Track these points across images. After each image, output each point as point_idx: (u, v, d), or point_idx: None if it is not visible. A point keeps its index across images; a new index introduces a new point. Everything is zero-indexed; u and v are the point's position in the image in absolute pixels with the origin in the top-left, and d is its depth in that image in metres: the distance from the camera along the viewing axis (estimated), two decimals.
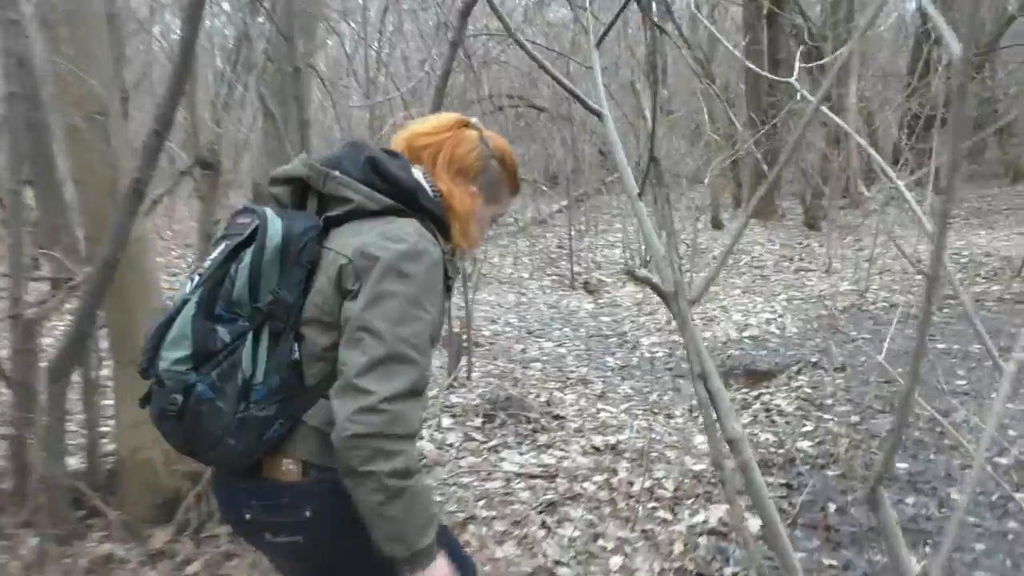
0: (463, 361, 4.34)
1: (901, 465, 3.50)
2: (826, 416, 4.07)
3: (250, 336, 1.28)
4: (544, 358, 5.28)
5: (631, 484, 3.23)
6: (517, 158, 1.56)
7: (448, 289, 1.40)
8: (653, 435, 3.79)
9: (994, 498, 3.17)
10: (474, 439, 3.45)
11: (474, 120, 1.53)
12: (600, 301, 6.88)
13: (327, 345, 1.30)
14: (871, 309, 6.21)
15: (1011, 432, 3.76)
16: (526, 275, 7.97)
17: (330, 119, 7.44)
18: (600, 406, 4.18)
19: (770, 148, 9.32)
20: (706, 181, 6.81)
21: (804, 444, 3.73)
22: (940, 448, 3.63)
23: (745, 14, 9.82)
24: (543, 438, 3.53)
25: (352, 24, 7.36)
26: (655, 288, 1.36)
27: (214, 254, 1.33)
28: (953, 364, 4.81)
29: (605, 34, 1.56)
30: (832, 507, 3.17)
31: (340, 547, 1.36)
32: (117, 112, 2.28)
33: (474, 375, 4.44)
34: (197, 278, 1.32)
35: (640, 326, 5.99)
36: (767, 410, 4.14)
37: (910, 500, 3.19)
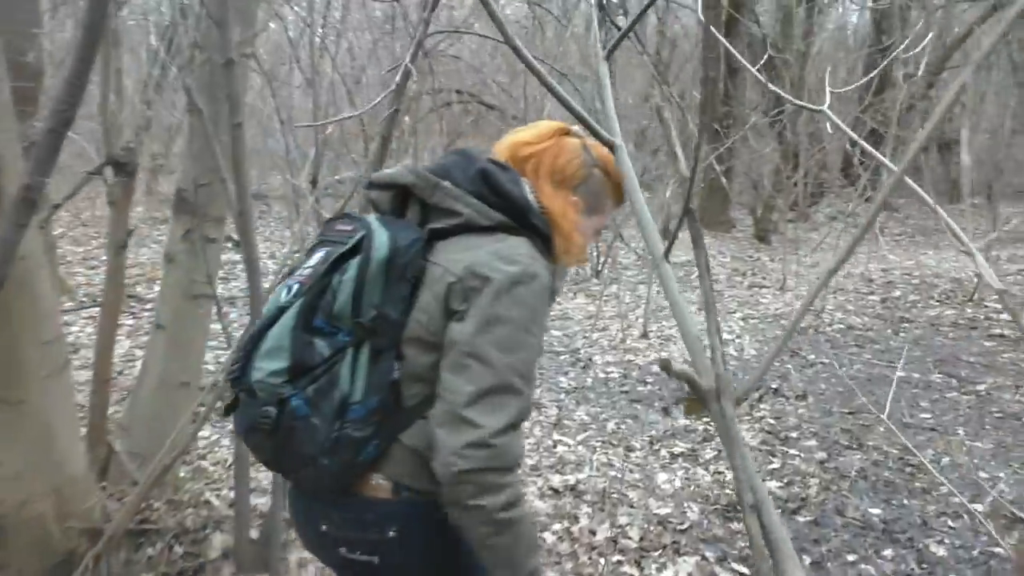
0: None
1: (874, 511, 3.30)
2: (792, 451, 3.86)
3: (350, 352, 1.23)
4: None
5: (593, 533, 2.95)
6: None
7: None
8: (614, 472, 3.51)
9: (975, 552, 2.99)
10: None
11: (575, 128, 1.46)
12: (550, 313, 6.59)
13: (428, 364, 1.25)
14: (827, 331, 6.07)
15: (982, 473, 3.61)
16: None
17: (270, 108, 6.97)
18: (556, 437, 3.88)
19: (724, 159, 9.21)
20: (667, 193, 6.55)
21: (772, 484, 3.50)
22: (912, 491, 3.45)
23: (704, 17, 9.66)
24: None
25: (296, 8, 6.91)
26: (694, 387, 1.05)
27: (312, 261, 1.28)
28: (916, 395, 4.67)
29: (618, 43, 1.24)
30: (807, 559, 2.94)
31: (415, 573, 1.33)
32: (4, 102, 1.87)
33: None
34: (296, 286, 1.27)
35: (593, 343, 5.72)
36: None
37: (887, 553, 2.98)
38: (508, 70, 8.58)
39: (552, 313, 6.59)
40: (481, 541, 1.21)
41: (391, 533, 1.28)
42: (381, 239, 1.25)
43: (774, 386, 4.78)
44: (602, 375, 5.05)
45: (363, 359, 1.24)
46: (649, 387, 4.80)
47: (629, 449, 3.84)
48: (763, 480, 3.53)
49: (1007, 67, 11.13)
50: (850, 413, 4.35)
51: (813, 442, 3.97)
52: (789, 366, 5.16)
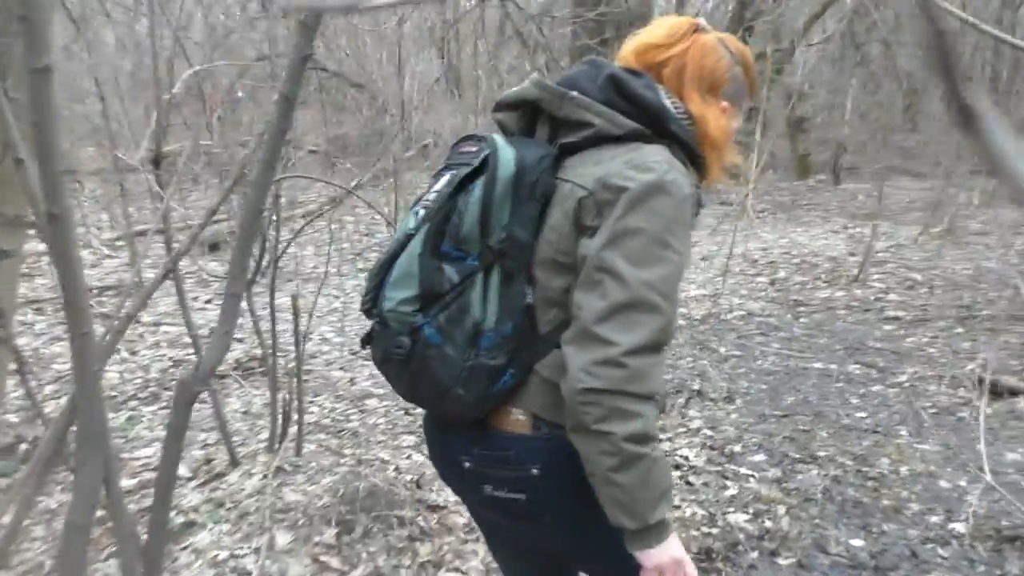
0: (292, 425, 3.13)
1: (855, 543, 2.87)
2: (743, 471, 3.38)
3: (480, 277, 1.18)
4: (380, 391, 4.18)
5: None
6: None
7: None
8: None
9: None
10: (330, 568, 2.31)
11: (701, 19, 1.33)
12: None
13: (563, 288, 1.20)
14: (729, 319, 5.73)
15: (943, 483, 3.29)
16: (333, 270, 6.72)
17: (81, 65, 5.69)
18: None
19: None
20: None
21: (739, 518, 2.99)
22: (885, 513, 3.06)
23: None
24: (425, 549, 2.47)
25: None
26: None
27: (438, 185, 1.24)
28: (842, 390, 4.36)
29: None
30: None
31: (567, 512, 1.25)
32: None
33: (306, 446, 3.24)
34: (422, 211, 1.22)
35: None
36: (677, 466, 3.36)
37: None
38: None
39: None
40: (604, 475, 1.12)
41: (534, 470, 1.22)
42: (507, 156, 1.19)
43: (696, 387, 4.32)
44: None
45: (494, 284, 1.19)
46: None
47: None
48: (726, 513, 3.04)
49: (849, 45, 11.41)
50: (784, 416, 3.96)
51: (761, 456, 3.51)
52: (705, 362, 4.73)
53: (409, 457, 3.26)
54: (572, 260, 1.18)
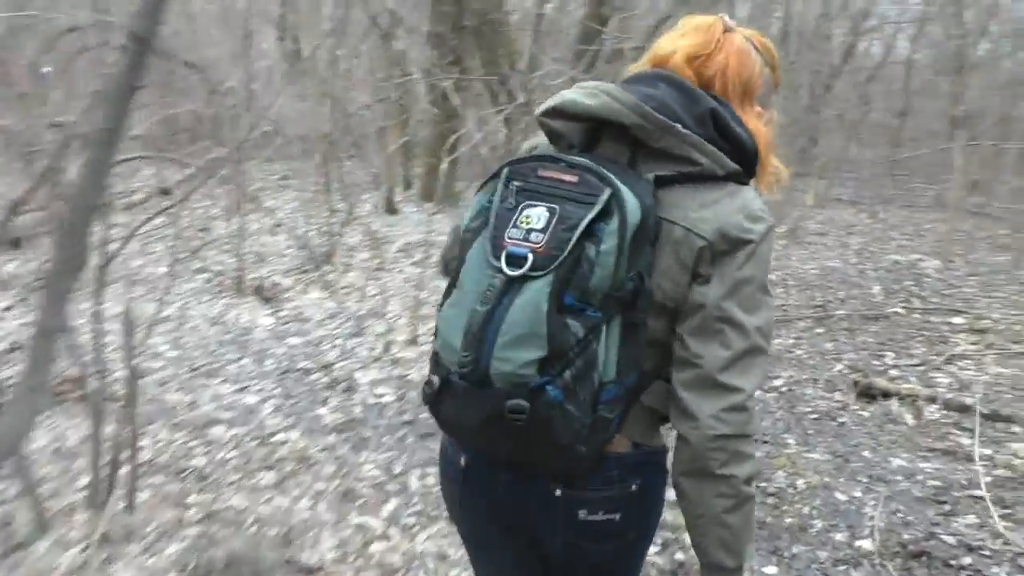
0: (121, 467, 2.53)
1: (769, 570, 2.70)
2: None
3: (604, 328, 1.12)
4: (227, 416, 3.61)
5: None
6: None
7: None
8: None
9: None
10: None
11: (726, 17, 1.30)
12: (281, 313, 5.23)
13: (665, 328, 1.19)
14: None
15: (839, 495, 3.19)
16: (165, 270, 5.93)
17: None
18: (359, 520, 2.73)
19: (449, 125, 8.39)
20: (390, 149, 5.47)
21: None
22: (791, 532, 2.91)
23: None
24: None
25: None
26: None
27: (535, 221, 1.11)
28: None
29: None
30: None
31: (645, 530, 1.31)
32: None
33: (140, 494, 2.64)
34: (529, 255, 1.09)
35: (347, 352, 4.55)
36: None
37: None
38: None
39: (282, 312, 5.25)
40: (716, 517, 1.16)
41: (635, 487, 1.23)
42: (630, 199, 1.11)
43: None
44: (372, 400, 3.93)
45: (615, 335, 1.13)
46: None
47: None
48: None
49: None
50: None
51: None
52: None
53: (270, 501, 2.76)
54: (677, 304, 1.18)
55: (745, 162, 1.22)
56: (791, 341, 5.18)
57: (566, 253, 1.08)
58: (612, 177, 1.13)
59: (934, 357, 4.81)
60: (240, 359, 4.36)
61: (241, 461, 3.11)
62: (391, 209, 8.61)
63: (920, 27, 17.60)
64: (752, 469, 1.15)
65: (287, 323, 5.01)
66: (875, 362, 4.79)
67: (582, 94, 1.20)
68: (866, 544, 2.83)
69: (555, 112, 1.22)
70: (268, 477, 2.97)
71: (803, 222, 8.91)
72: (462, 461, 1.30)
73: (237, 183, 6.17)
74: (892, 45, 16.96)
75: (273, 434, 3.42)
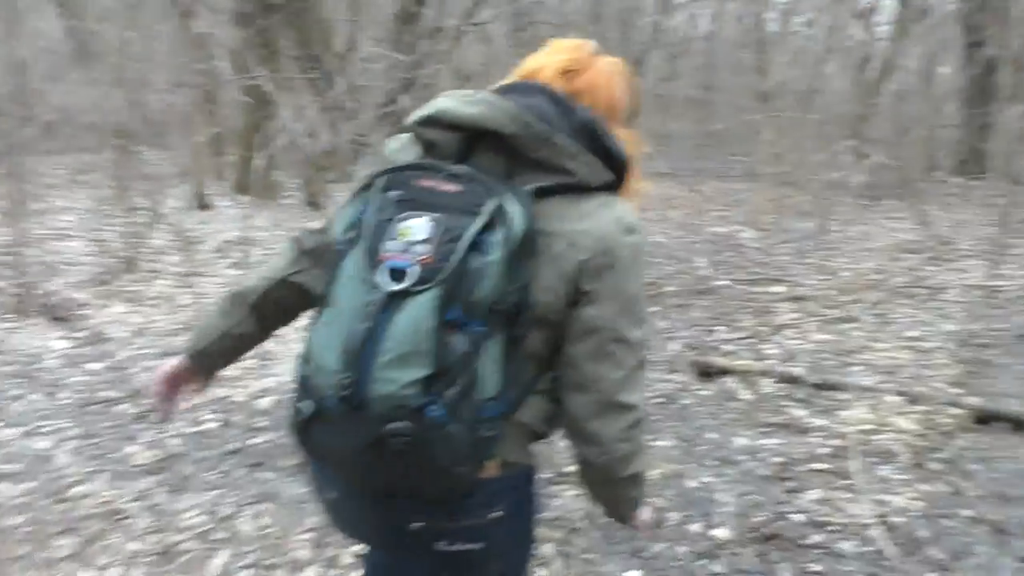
0: None
1: (632, 575, 2.62)
2: None
3: (487, 343, 1.08)
4: (12, 469, 3.09)
5: None
6: None
7: None
8: None
9: None
10: None
11: (594, 42, 1.32)
12: (77, 334, 4.60)
13: (542, 340, 1.18)
14: None
15: (689, 482, 3.18)
16: None
17: None
18: None
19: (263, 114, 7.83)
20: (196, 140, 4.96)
21: None
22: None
23: None
24: None
25: None
26: None
27: (418, 233, 1.06)
28: None
29: None
30: None
31: (513, 560, 1.31)
32: None
33: None
34: (416, 268, 1.04)
35: None
36: None
37: None
38: None
39: (79, 333, 4.63)
40: (623, 497, 1.28)
41: (498, 513, 1.20)
42: (516, 209, 1.09)
43: None
44: (193, 428, 3.51)
45: (498, 349, 1.09)
46: (270, 436, 3.44)
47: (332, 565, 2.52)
48: None
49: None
50: None
51: None
52: None
53: None
54: (557, 318, 1.17)
55: (617, 173, 1.22)
56: None
57: (452, 265, 1.04)
58: (497, 186, 1.11)
59: (762, 328, 4.98)
60: (27, 395, 3.77)
61: (32, 527, 2.63)
62: (202, 204, 7.94)
63: (721, 3, 18.55)
64: (647, 454, 1.27)
65: (85, 346, 4.41)
66: (708, 338, 4.89)
67: (460, 102, 1.17)
68: (721, 533, 2.82)
69: (430, 121, 1.18)
70: (67, 543, 2.53)
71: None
72: (330, 496, 1.27)
73: (15, 181, 5.37)
74: (695, 22, 17.79)
75: (72, 485, 2.95)
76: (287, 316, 1.39)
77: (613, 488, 1.26)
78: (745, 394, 3.99)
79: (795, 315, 5.28)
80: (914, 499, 3.01)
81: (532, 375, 1.20)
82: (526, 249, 1.10)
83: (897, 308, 5.34)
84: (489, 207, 1.07)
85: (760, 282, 6.07)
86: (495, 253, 1.06)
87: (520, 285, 1.10)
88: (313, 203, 8.47)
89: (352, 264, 1.09)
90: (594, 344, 1.16)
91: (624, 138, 1.26)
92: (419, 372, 1.02)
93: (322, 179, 8.50)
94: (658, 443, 3.51)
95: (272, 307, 1.36)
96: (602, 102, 1.26)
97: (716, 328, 5.06)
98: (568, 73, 1.26)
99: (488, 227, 1.07)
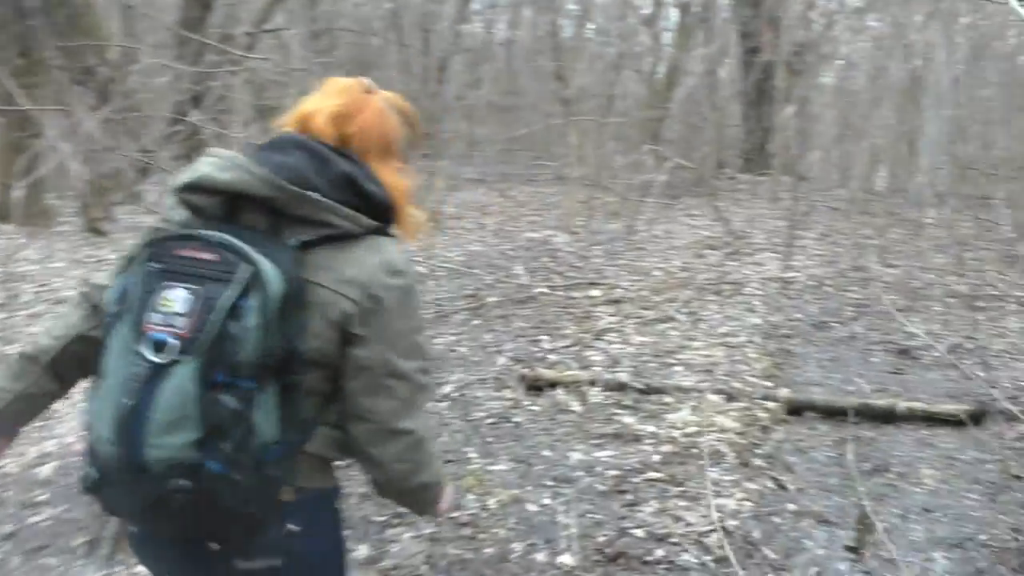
0: None
1: None
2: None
3: (259, 396, 1.14)
4: None
5: None
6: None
7: None
8: None
9: None
10: None
11: (367, 80, 1.38)
12: None
13: (321, 378, 1.24)
14: None
15: (530, 507, 3.07)
16: None
17: None
18: None
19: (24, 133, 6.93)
20: None
21: None
22: (494, 566, 2.71)
23: None
24: None
25: None
26: None
27: (178, 306, 1.12)
28: None
29: None
30: None
31: (315, 573, 1.34)
32: None
33: None
34: (175, 342, 1.10)
35: None
36: None
37: None
38: None
39: None
40: (421, 499, 1.40)
41: (294, 528, 1.25)
42: (270, 272, 1.13)
43: None
44: None
45: (272, 399, 1.16)
46: (54, 512, 2.96)
47: None
48: None
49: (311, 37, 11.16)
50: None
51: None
52: None
53: None
54: (331, 361, 1.23)
55: (382, 216, 1.28)
56: (452, 338, 5.06)
57: (210, 335, 1.10)
58: (250, 252, 1.13)
59: (584, 335, 5.01)
60: None
61: None
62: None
63: (515, 11, 18.92)
64: (439, 462, 1.39)
65: None
66: (534, 348, 4.85)
67: (216, 168, 1.21)
68: (567, 559, 2.73)
69: (191, 187, 1.22)
70: None
71: (440, 206, 8.98)
72: (131, 530, 1.34)
73: None
74: (493, 27, 18.01)
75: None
76: (87, 369, 1.34)
77: (405, 497, 1.39)
78: (576, 405, 3.96)
79: (614, 318, 5.36)
80: (744, 499, 3.08)
81: (315, 411, 1.27)
82: (290, 306, 1.15)
83: (707, 305, 5.57)
84: (243, 274, 1.12)
85: (578, 287, 6.14)
86: (252, 319, 1.11)
87: (287, 338, 1.15)
88: (95, 229, 7.63)
89: (120, 336, 1.15)
90: (367, 380, 1.24)
91: (397, 173, 1.35)
92: (190, 436, 1.09)
93: (104, 203, 7.69)
94: (495, 467, 3.38)
95: (70, 363, 1.35)
96: (374, 142, 1.33)
97: (540, 338, 5.03)
98: (339, 118, 1.31)
99: (244, 293, 1.11)
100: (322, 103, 1.33)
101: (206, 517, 1.15)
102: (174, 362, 1.09)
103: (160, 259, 1.16)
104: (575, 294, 5.96)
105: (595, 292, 5.98)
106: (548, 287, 6.10)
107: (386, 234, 1.29)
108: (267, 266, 1.13)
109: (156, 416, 1.09)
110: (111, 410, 1.12)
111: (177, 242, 1.17)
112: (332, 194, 1.23)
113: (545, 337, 5.03)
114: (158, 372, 1.10)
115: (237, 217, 1.22)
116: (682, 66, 14.83)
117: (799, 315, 5.61)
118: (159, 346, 1.10)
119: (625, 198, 9.68)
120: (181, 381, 1.09)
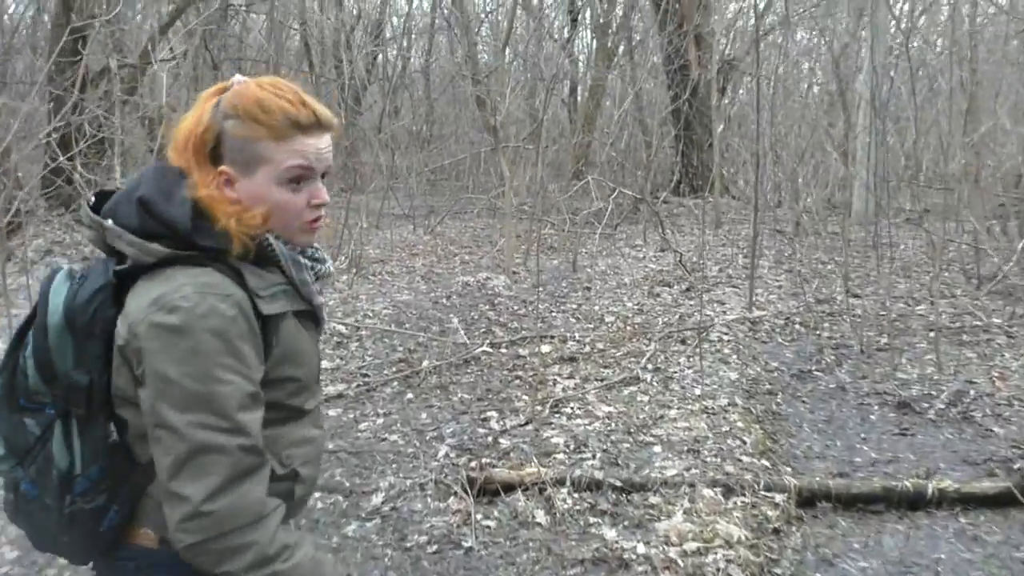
0: None
1: None
2: None
3: (59, 425, 1.15)
4: None
5: None
6: (287, 93, 1.17)
7: (309, 313, 1.25)
8: None
9: None
10: None
11: (236, 79, 1.21)
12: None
13: (140, 422, 1.17)
14: None
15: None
16: None
17: None
18: None
19: None
20: None
21: None
22: None
23: None
24: None
25: None
26: None
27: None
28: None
29: None
30: None
31: None
32: None
33: None
34: None
35: None
36: None
37: None
38: None
39: None
40: None
41: None
42: (56, 301, 1.15)
43: None
44: None
45: (72, 430, 1.15)
46: None
47: None
48: None
49: (206, 65, 10.19)
50: None
51: None
52: None
53: None
54: (134, 398, 1.15)
55: (184, 245, 1.13)
56: (380, 420, 4.21)
57: (5, 359, 1.17)
58: (52, 282, 1.17)
59: (540, 408, 4.22)
60: None
61: None
62: None
63: (431, 38, 18.23)
64: (253, 557, 1.10)
65: None
66: (481, 430, 4.03)
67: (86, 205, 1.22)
68: None
69: (80, 223, 1.28)
70: None
71: (362, 249, 8.10)
72: None
73: None
74: (408, 55, 17.27)
75: None
76: None
77: None
78: (541, 516, 3.15)
79: (571, 381, 4.60)
80: None
81: (143, 452, 1.17)
82: (78, 334, 1.13)
83: (674, 359, 4.86)
84: (38, 301, 1.16)
85: (525, 342, 5.36)
86: (28, 347, 1.15)
87: (84, 369, 1.13)
88: None
89: None
90: (148, 428, 1.13)
91: (219, 177, 1.17)
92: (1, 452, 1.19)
93: None
94: None
95: None
96: (189, 148, 1.18)
97: (488, 414, 4.22)
98: (189, 136, 1.20)
99: (29, 321, 1.17)
100: (181, 126, 1.24)
101: (35, 534, 1.21)
102: None
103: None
104: (522, 352, 5.18)
105: (545, 348, 5.22)
106: (491, 345, 5.30)
107: (198, 263, 1.14)
108: (55, 294, 1.14)
109: None
110: None
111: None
112: (129, 221, 1.15)
113: (493, 413, 4.22)
114: None
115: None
116: (605, 88, 14.33)
117: (776, 364, 4.96)
118: None
119: (561, 229, 8.99)
120: None
